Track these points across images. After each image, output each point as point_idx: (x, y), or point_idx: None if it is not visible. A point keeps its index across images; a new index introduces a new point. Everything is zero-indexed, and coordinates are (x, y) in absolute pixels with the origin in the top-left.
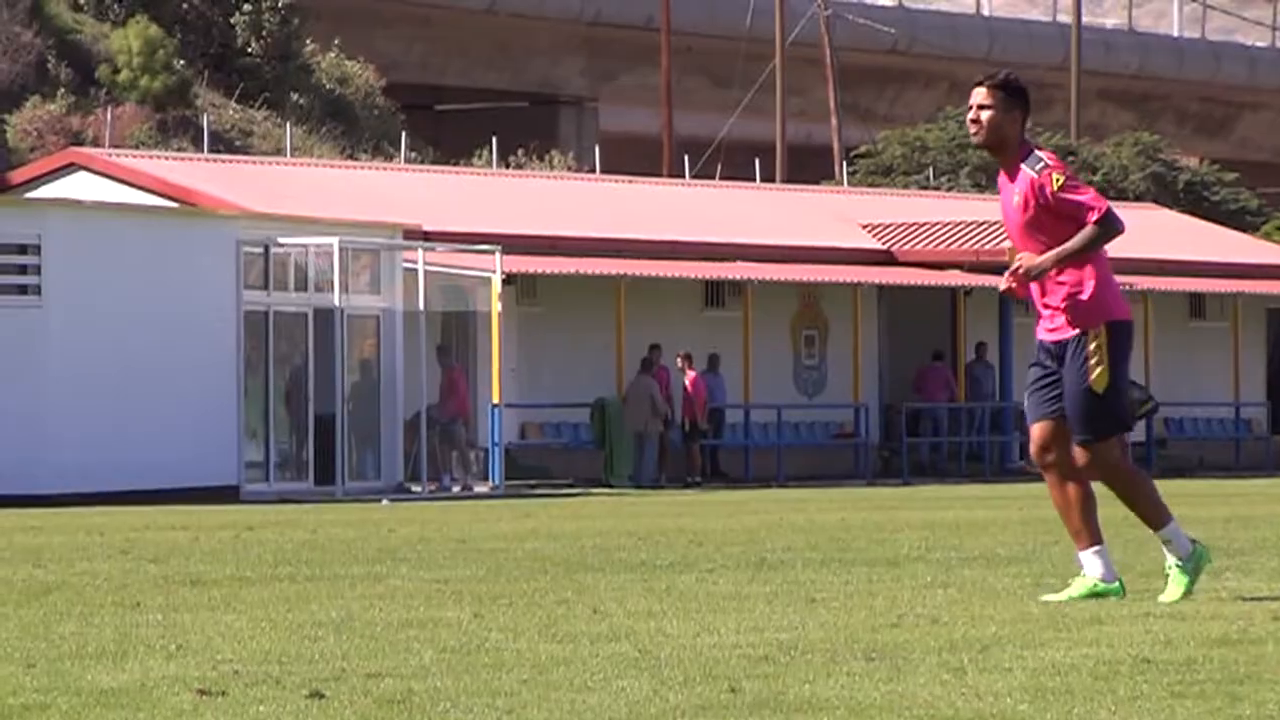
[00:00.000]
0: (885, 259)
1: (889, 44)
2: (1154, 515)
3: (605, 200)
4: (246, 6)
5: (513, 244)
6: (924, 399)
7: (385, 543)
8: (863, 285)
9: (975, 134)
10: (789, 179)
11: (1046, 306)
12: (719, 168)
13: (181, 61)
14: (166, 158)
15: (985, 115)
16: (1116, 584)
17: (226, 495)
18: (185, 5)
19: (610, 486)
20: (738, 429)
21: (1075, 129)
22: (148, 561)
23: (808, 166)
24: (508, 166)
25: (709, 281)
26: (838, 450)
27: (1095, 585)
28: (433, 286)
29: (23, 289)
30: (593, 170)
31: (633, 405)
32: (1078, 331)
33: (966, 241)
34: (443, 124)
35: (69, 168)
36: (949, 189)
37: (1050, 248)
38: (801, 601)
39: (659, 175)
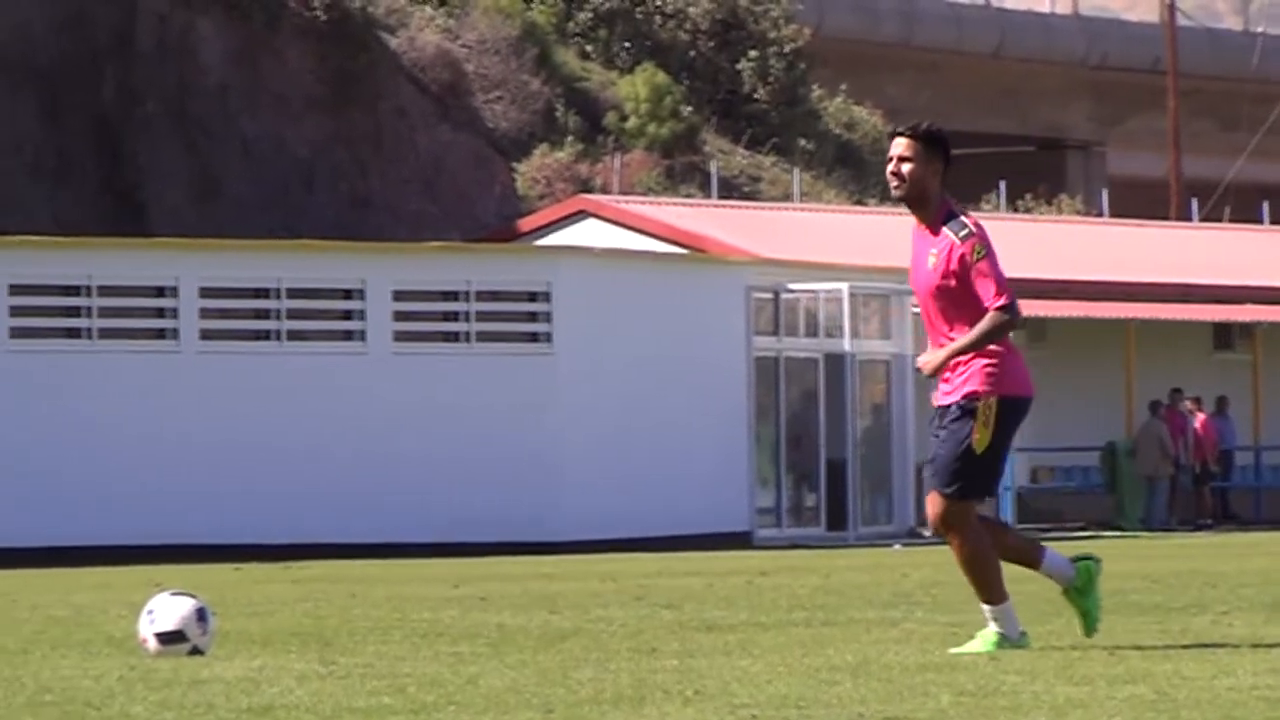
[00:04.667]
0: None
1: None
2: (990, 591)
3: (1114, 244)
4: (753, 53)
5: (1023, 288)
6: None
7: (899, 586)
8: None
9: (896, 187)
10: None
11: (946, 372)
12: (1226, 210)
13: (689, 108)
14: (675, 204)
15: (906, 168)
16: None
17: (738, 541)
18: (693, 52)
19: (1121, 530)
20: (1248, 471)
21: None
22: (662, 608)
23: None
24: (1016, 210)
25: (1217, 324)
26: None
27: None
28: None
29: (534, 336)
30: (1100, 214)
31: (1143, 449)
32: (969, 393)
33: None
34: (951, 168)
35: (578, 215)
36: None
37: (955, 312)
38: None
39: (1166, 218)
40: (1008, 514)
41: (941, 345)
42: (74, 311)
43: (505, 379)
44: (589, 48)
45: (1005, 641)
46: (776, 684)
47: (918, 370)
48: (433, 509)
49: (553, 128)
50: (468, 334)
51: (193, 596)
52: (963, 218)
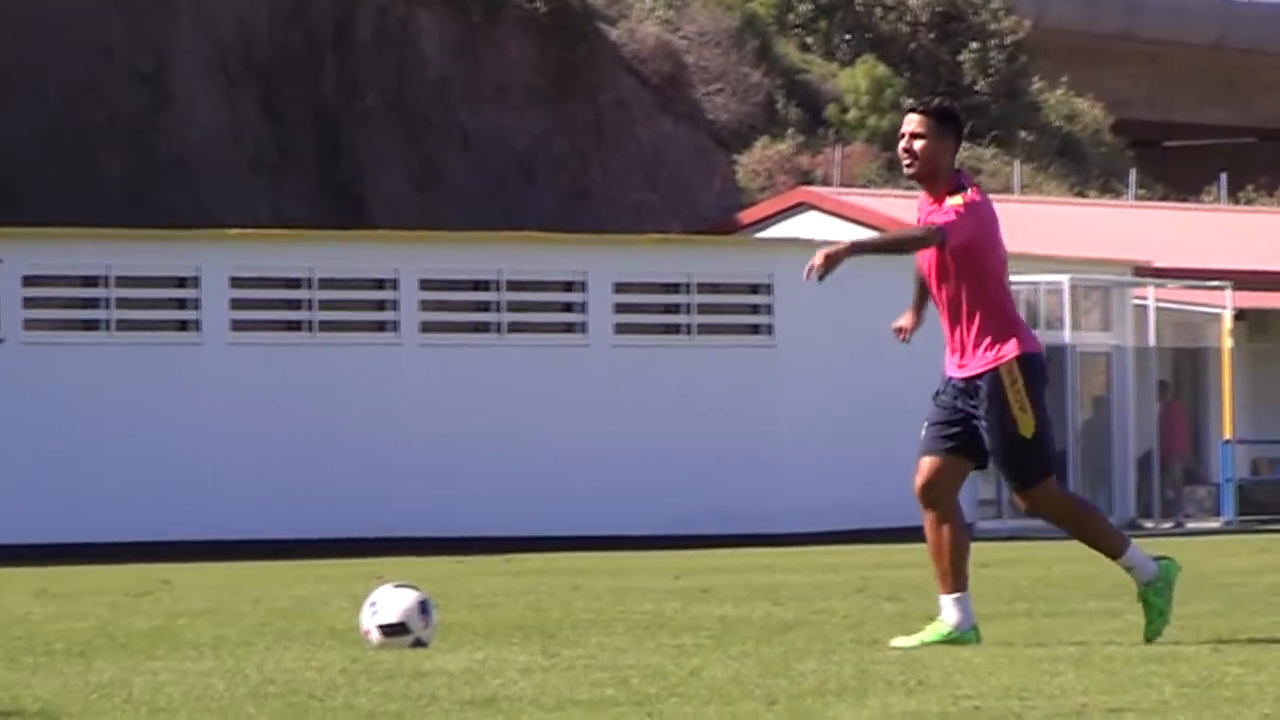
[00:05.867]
0: None
1: None
2: (1110, 544)
3: None
4: (974, 45)
5: (1243, 280)
6: None
7: (1120, 578)
8: None
9: (908, 165)
10: None
11: (955, 341)
12: None
13: (909, 100)
14: (895, 196)
15: (918, 145)
16: (972, 632)
17: None
18: (913, 44)
19: None
20: None
21: None
22: (884, 599)
23: None
24: (1237, 202)
25: None
26: None
27: (950, 633)
28: (1163, 323)
29: (755, 329)
30: None
31: None
32: (990, 368)
33: None
34: (1171, 160)
35: (798, 207)
36: None
37: (959, 278)
38: None
39: None
40: (1228, 506)
41: (950, 318)
42: (295, 304)
43: (726, 371)
44: (809, 40)
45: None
46: (999, 675)
47: (810, 271)
48: (654, 502)
49: (773, 120)
50: (689, 326)
51: (415, 589)
52: (969, 189)
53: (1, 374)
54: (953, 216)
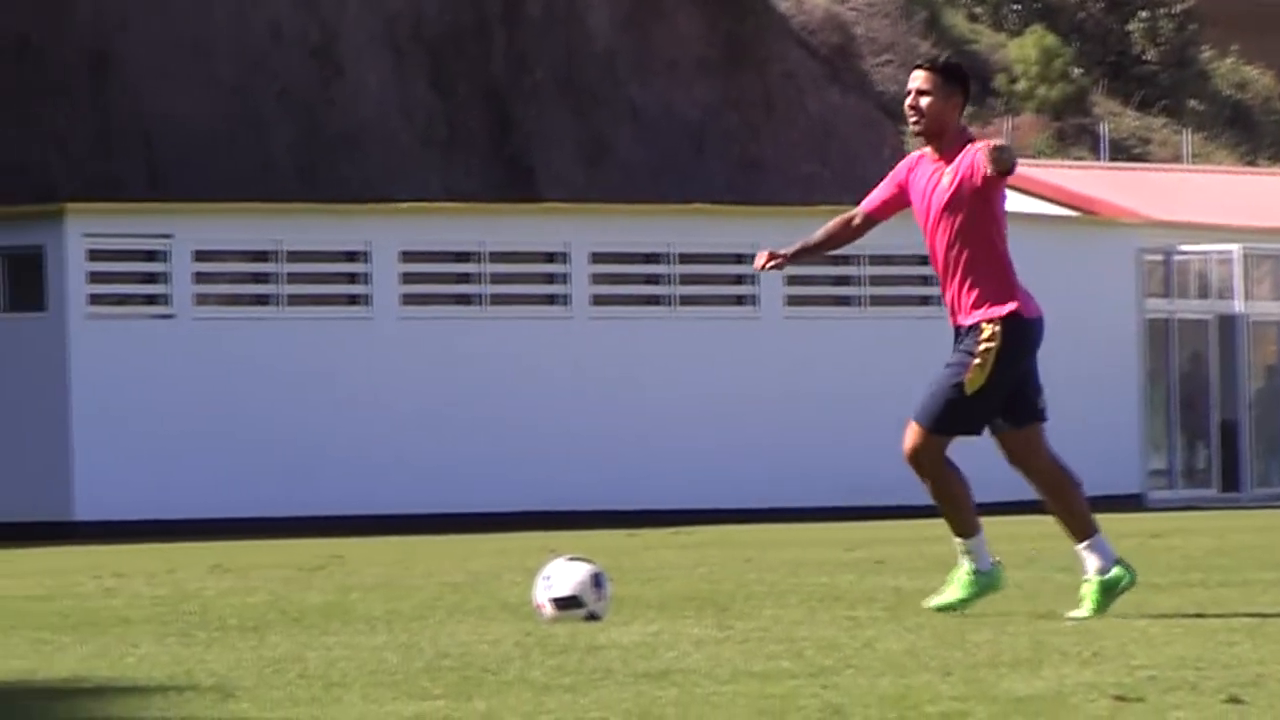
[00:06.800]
0: None
1: None
2: (959, 523)
3: None
4: (1143, 14)
5: None
6: None
7: None
8: None
9: (915, 121)
10: None
11: (950, 298)
12: None
13: (1079, 70)
14: (1065, 166)
15: (925, 102)
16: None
17: (1130, 503)
18: (1082, 14)
19: None
20: None
21: None
22: (1056, 570)
23: None
24: None
25: None
26: None
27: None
28: None
29: (925, 300)
30: None
31: None
32: (978, 319)
33: None
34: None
35: None
36: None
37: (967, 230)
38: None
39: None
40: None
41: (952, 281)
42: (465, 278)
43: (897, 342)
44: (978, 10)
45: (979, 576)
46: (1174, 645)
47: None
48: (825, 473)
49: None
50: (860, 298)
51: (589, 562)
52: (978, 141)
53: (172, 349)
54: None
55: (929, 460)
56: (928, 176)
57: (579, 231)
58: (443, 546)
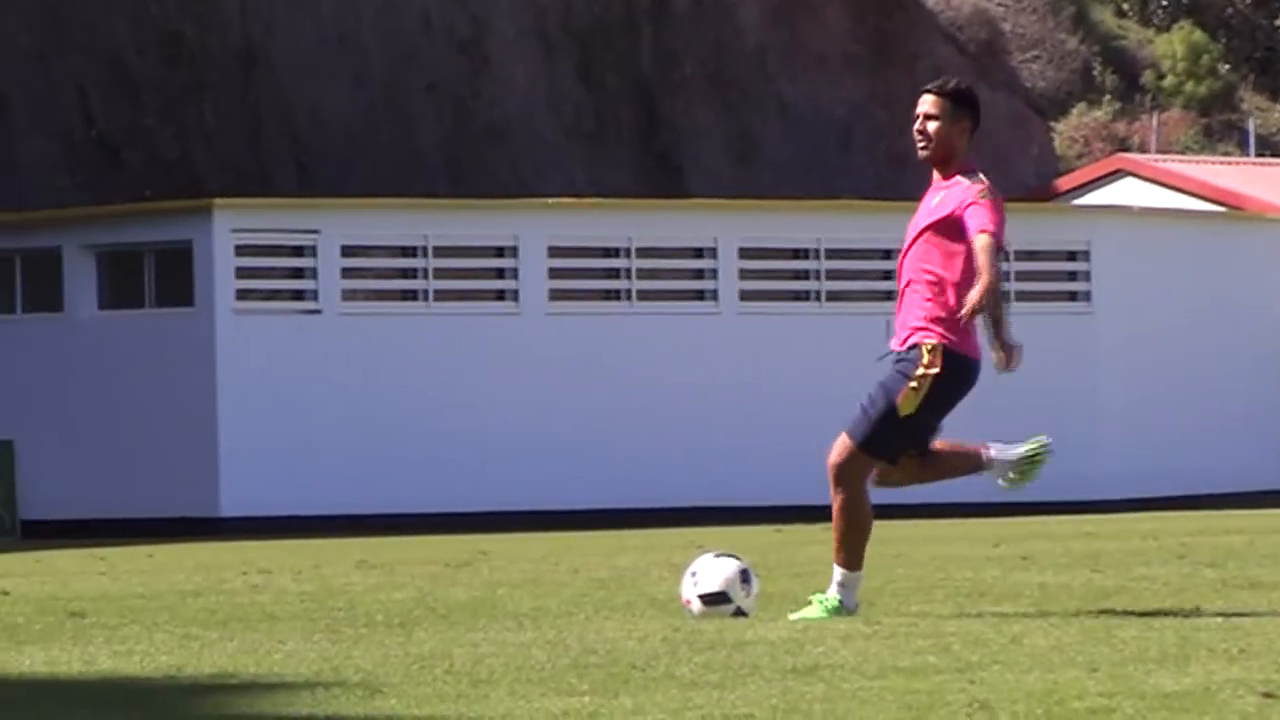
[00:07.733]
0: None
1: None
2: (850, 554)
3: None
4: None
5: None
6: None
7: None
8: None
9: (922, 146)
10: None
11: (903, 319)
12: None
13: (1226, 66)
14: (1212, 162)
15: (932, 126)
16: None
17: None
18: (1230, 9)
19: None
20: None
21: None
22: (1204, 565)
23: None
24: None
25: None
26: None
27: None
28: None
29: (1072, 295)
30: None
31: None
32: (918, 342)
33: None
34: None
35: (1116, 174)
36: None
37: (941, 252)
38: None
39: None
40: None
41: (914, 292)
42: (612, 273)
43: (1044, 338)
44: (1125, 6)
45: (841, 610)
46: None
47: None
48: None
49: (1090, 87)
50: (1008, 294)
51: (736, 558)
52: (980, 175)
53: (319, 345)
54: (987, 213)
55: (852, 476)
56: (926, 198)
57: (728, 227)
58: (589, 542)
